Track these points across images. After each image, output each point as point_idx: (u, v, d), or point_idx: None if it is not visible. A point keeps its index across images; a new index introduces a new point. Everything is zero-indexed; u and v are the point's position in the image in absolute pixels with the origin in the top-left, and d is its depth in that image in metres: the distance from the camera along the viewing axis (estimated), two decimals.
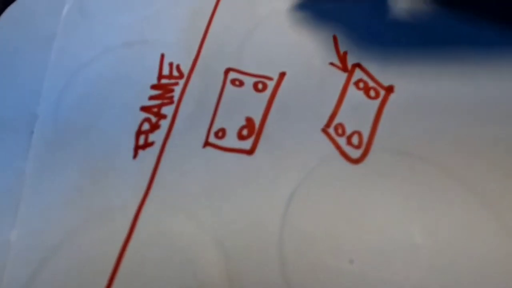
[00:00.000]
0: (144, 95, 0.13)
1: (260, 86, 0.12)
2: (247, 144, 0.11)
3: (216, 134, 0.11)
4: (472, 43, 0.12)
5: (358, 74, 0.12)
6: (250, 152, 0.11)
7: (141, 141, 0.12)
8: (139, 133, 0.12)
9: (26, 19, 0.16)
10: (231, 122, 0.12)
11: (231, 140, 0.11)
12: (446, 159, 0.10)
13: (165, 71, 0.13)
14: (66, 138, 0.12)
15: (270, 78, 0.12)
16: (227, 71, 0.13)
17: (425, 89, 0.11)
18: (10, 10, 0.17)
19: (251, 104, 0.12)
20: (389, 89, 0.11)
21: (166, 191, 0.10)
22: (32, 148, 0.12)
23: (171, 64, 0.13)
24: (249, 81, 0.13)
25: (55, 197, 0.11)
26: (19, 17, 0.16)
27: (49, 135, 0.12)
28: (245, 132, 0.11)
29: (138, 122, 0.12)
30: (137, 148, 0.11)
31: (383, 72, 0.12)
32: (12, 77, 0.14)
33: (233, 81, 0.13)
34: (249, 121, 0.12)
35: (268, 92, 0.12)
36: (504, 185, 0.09)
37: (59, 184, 0.11)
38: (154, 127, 0.12)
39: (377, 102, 0.11)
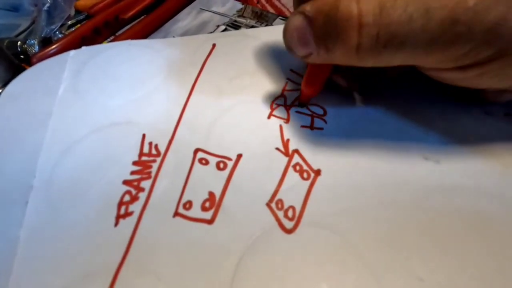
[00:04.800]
0: (126, 170, 0.16)
1: (221, 165, 0.16)
2: (208, 215, 0.14)
3: (184, 206, 0.14)
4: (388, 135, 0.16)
5: (296, 158, 0.16)
6: (210, 222, 0.14)
7: (122, 211, 0.14)
8: (120, 204, 0.14)
9: (25, 97, 0.19)
10: (197, 195, 0.15)
11: (196, 211, 0.14)
12: (351, 233, 0.13)
13: (145, 150, 0.16)
14: (57, 208, 0.14)
15: (229, 159, 0.16)
16: (196, 151, 0.16)
17: (346, 174, 0.15)
18: (10, 87, 0.19)
19: (213, 180, 0.15)
20: (317, 172, 0.15)
21: (141, 256, 0.13)
22: (26, 217, 0.14)
23: (150, 144, 0.17)
24: (213, 160, 0.16)
25: (45, 262, 0.13)
26: (19, 95, 0.19)
27: (42, 205, 0.14)
28: (207, 204, 0.14)
29: (120, 194, 0.15)
30: (118, 217, 0.14)
31: (314, 157, 0.16)
32: (12, 152, 0.16)
33: (200, 160, 0.16)
34: (211, 195, 0.15)
35: (227, 170, 0.16)
36: (387, 259, 0.13)
37: (49, 250, 0.13)
38: (134, 198, 0.15)
39: (308, 182, 0.15)
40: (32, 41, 0.24)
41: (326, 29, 0.12)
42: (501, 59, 0.11)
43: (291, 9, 0.26)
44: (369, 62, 0.12)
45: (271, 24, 0.25)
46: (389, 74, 0.17)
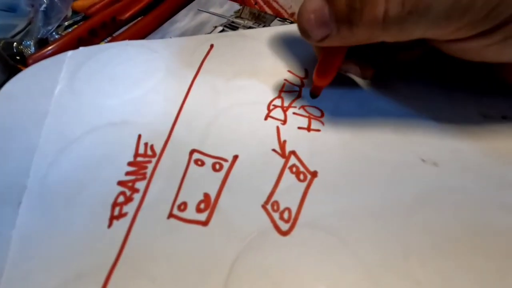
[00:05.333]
0: (121, 171, 0.15)
1: (217, 166, 0.16)
2: (203, 216, 0.14)
3: (179, 207, 0.14)
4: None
5: (292, 160, 0.16)
6: (205, 223, 0.14)
7: (116, 212, 0.14)
8: (115, 205, 0.14)
9: (21, 96, 0.19)
10: (192, 196, 0.14)
11: (190, 213, 0.14)
12: (348, 235, 0.13)
13: (141, 150, 0.16)
14: (50, 208, 0.14)
15: (225, 160, 0.16)
16: (192, 152, 0.16)
17: (343, 176, 0.15)
18: (7, 87, 0.19)
19: (209, 181, 0.15)
20: (314, 174, 0.15)
21: (135, 257, 0.13)
22: (19, 217, 0.14)
23: (146, 144, 0.16)
24: (209, 161, 0.16)
25: (37, 263, 0.13)
26: (15, 94, 0.19)
27: (35, 206, 0.14)
28: (202, 206, 0.14)
29: (115, 195, 0.14)
30: (112, 218, 0.14)
31: (311, 159, 0.16)
32: (5, 151, 0.16)
33: (196, 161, 0.16)
34: (206, 196, 0.15)
35: (223, 172, 0.15)
36: (384, 260, 0.12)
37: (42, 250, 0.13)
38: (128, 199, 0.14)
39: (304, 184, 0.15)
40: (28, 42, 0.24)
41: (350, 1, 0.12)
42: None
43: (289, 11, 0.26)
44: (393, 32, 0.12)
45: (269, 25, 0.25)
46: (399, 58, 0.17)
